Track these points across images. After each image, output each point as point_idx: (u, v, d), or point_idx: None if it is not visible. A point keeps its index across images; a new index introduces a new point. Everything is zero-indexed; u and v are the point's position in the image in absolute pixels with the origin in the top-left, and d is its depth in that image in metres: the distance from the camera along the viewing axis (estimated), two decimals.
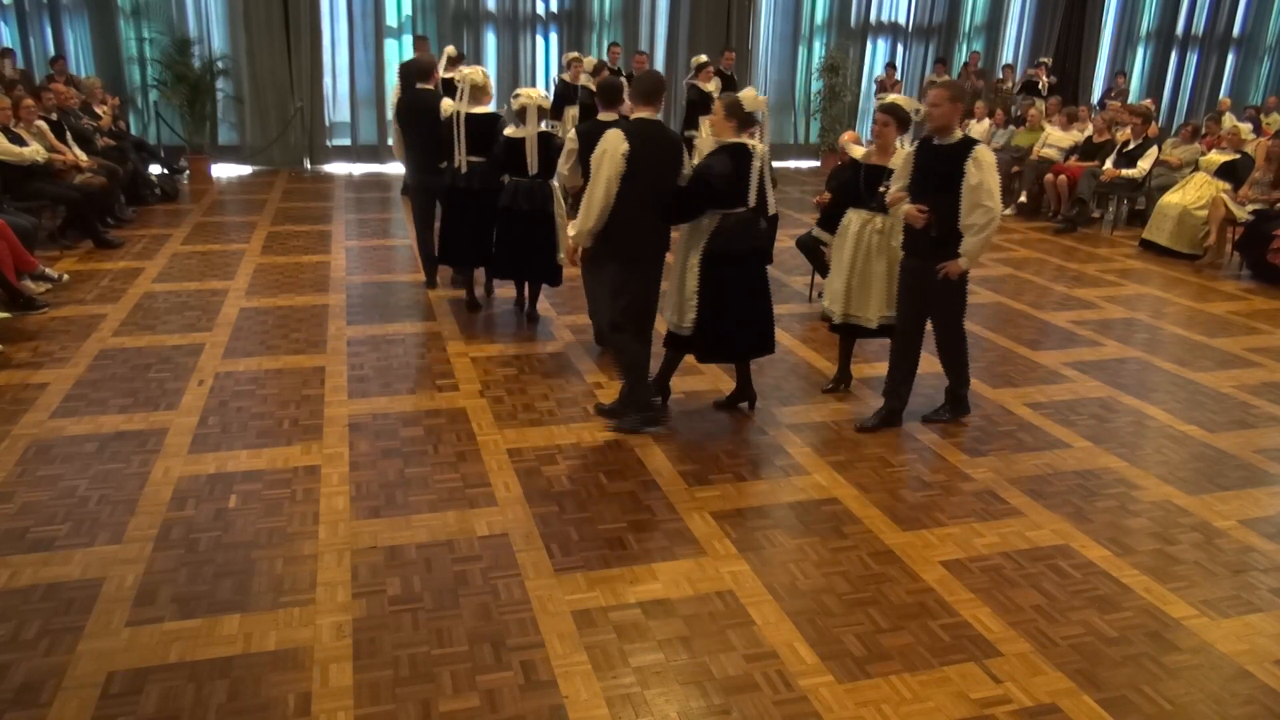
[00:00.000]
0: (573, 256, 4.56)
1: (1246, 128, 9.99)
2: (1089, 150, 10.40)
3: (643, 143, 4.29)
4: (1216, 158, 9.18)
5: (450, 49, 10.00)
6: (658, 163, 4.37)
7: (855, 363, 5.72)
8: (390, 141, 6.79)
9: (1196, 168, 9.53)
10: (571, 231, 4.47)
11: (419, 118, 6.60)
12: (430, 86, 6.84)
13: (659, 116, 4.48)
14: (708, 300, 4.52)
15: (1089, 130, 10.80)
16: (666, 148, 4.45)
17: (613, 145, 4.25)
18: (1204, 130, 10.95)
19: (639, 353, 4.59)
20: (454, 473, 4.14)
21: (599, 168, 4.28)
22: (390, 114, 6.78)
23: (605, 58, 11.32)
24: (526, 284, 6.33)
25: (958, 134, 4.42)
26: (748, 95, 4.48)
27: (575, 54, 10.90)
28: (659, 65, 13.42)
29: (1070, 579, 3.50)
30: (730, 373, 5.04)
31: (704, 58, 11.12)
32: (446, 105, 6.40)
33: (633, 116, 4.48)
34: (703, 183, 4.40)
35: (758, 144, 4.52)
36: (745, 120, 4.46)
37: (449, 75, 8.88)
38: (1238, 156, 9.06)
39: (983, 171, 4.28)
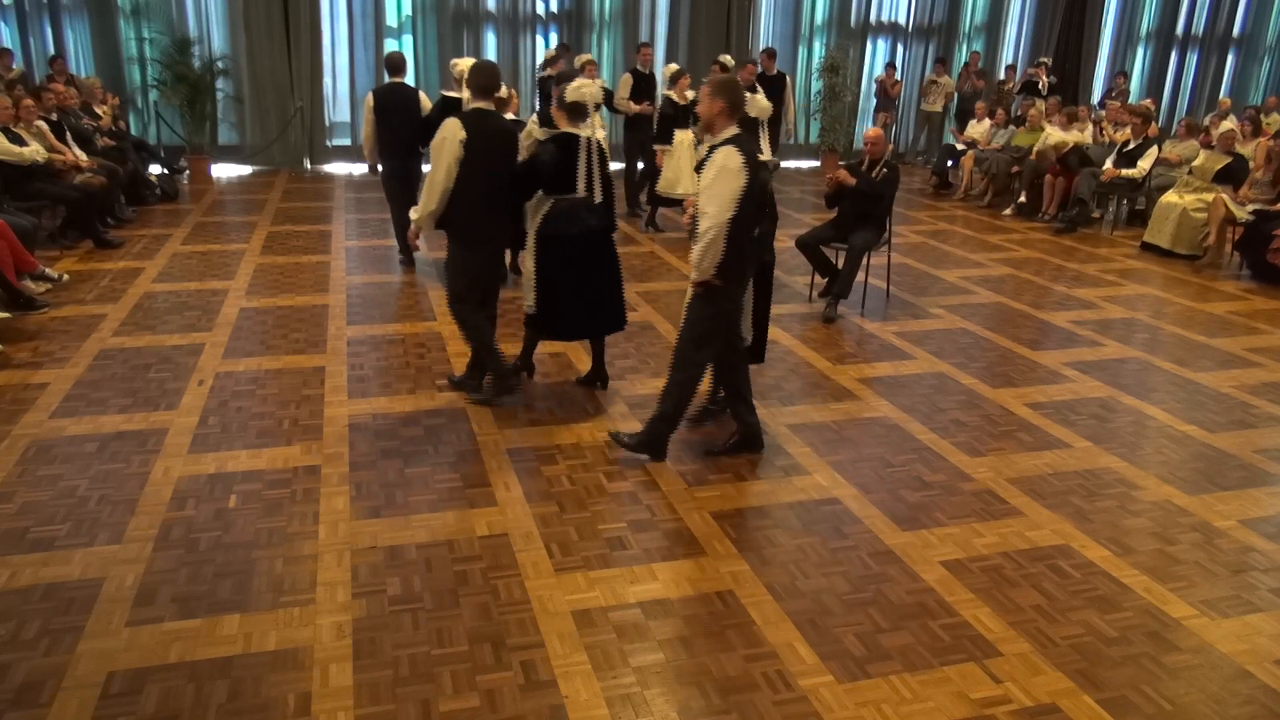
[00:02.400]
0: (413, 239, 4.95)
1: (1242, 129, 10.01)
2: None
3: (478, 132, 4.51)
4: (1211, 164, 9.14)
5: (583, 57, 9.94)
6: (492, 151, 4.59)
7: (855, 362, 5.74)
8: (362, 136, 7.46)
9: (1192, 171, 9.53)
10: (414, 215, 4.69)
11: (396, 108, 7.18)
12: (401, 79, 7.41)
13: (492, 108, 4.71)
14: (543, 280, 4.76)
15: (1089, 130, 10.81)
16: (500, 137, 4.65)
17: (451, 133, 4.47)
18: (1205, 127, 10.97)
19: (481, 325, 4.83)
20: (454, 473, 4.14)
21: (439, 155, 4.50)
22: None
23: (640, 61, 10.37)
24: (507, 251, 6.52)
25: (725, 133, 3.94)
26: (573, 86, 4.65)
27: (676, 66, 9.90)
28: (658, 65, 13.41)
29: (1070, 579, 3.50)
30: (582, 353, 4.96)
31: (727, 58, 10.36)
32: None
33: (468, 108, 4.71)
34: (531, 169, 4.65)
35: (595, 133, 4.72)
36: (573, 110, 4.64)
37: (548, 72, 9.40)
38: (1230, 159, 9.04)
39: (711, 175, 3.85)
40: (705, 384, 4.61)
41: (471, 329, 4.81)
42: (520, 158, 4.80)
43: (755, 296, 4.54)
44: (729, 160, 3.85)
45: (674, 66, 9.59)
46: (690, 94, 8.96)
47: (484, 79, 4.66)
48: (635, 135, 9.68)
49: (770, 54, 10.78)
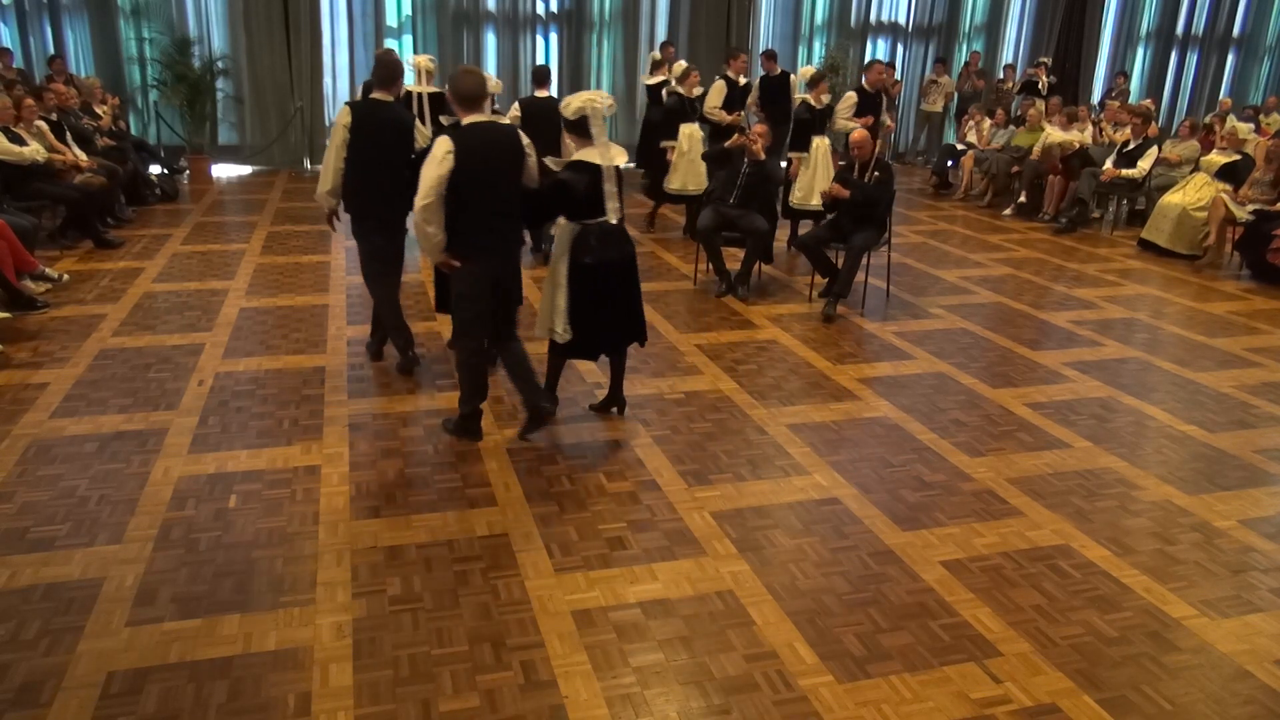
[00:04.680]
0: (329, 221, 5.21)
1: (1246, 127, 10.00)
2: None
3: (366, 119, 4.87)
4: (1217, 159, 9.18)
5: (681, 65, 9.45)
6: (383, 137, 4.86)
7: (855, 362, 5.74)
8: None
9: (1196, 167, 9.53)
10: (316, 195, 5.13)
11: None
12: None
13: (392, 99, 5.05)
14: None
15: (1089, 131, 10.81)
16: (390, 126, 4.92)
17: (339, 119, 4.90)
18: (1206, 125, 10.97)
19: (377, 293, 5.24)
20: (454, 473, 4.14)
21: (330, 139, 4.93)
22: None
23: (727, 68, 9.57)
24: None
25: (464, 121, 4.16)
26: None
27: (814, 69, 9.20)
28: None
29: (1070, 579, 3.50)
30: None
31: (812, 69, 9.30)
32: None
33: (370, 96, 5.09)
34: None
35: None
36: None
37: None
38: (1238, 157, 9.06)
39: (425, 162, 4.06)
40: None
41: (372, 294, 5.29)
42: None
43: (595, 289, 4.39)
44: (437, 147, 4.00)
45: (812, 69, 8.92)
46: (826, 98, 8.53)
47: (382, 71, 5.06)
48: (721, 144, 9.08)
49: (770, 55, 10.50)
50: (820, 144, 8.27)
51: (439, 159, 3.98)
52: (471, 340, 4.37)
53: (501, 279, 4.32)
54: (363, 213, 5.02)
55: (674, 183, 8.62)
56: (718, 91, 8.99)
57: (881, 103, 8.71)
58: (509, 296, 4.42)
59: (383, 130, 4.90)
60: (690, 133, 8.69)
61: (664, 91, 9.23)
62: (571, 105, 4.28)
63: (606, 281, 4.41)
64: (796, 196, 8.26)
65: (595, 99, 4.28)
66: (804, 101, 8.50)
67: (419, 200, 4.01)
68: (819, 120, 8.44)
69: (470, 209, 4.08)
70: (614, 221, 4.38)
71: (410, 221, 4.49)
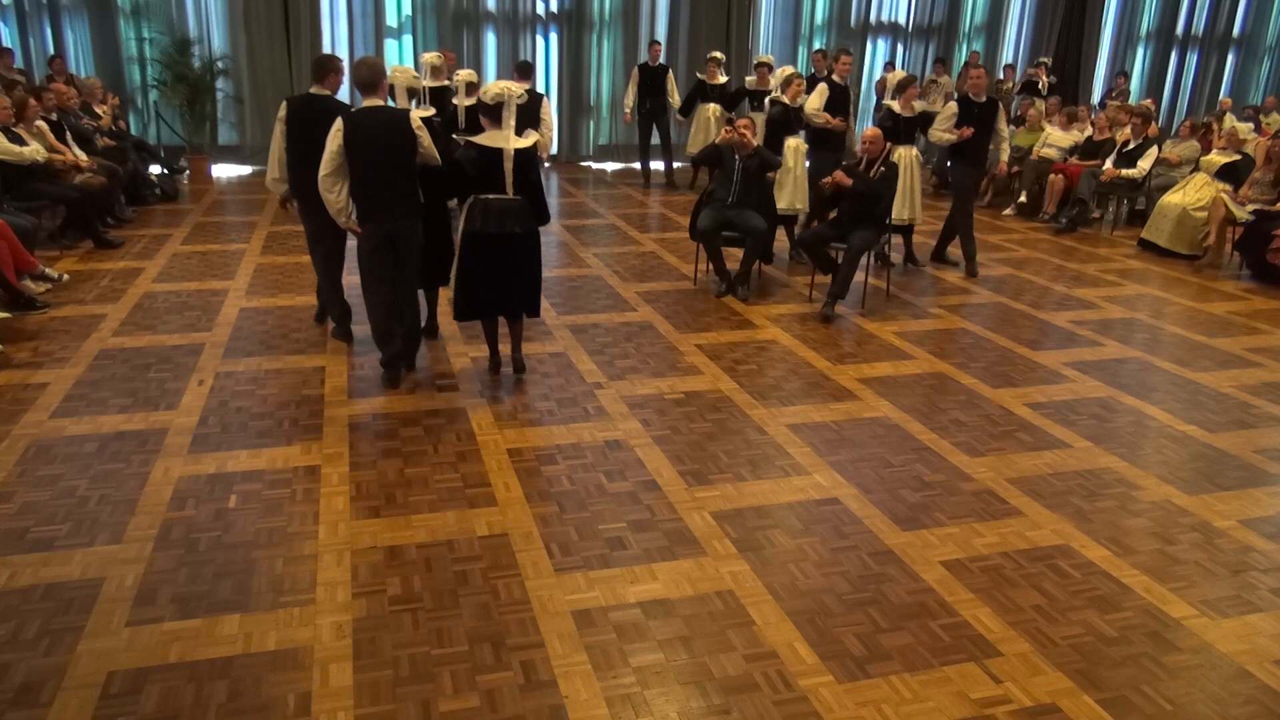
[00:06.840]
0: (282, 205, 5.76)
1: (1246, 127, 10.00)
2: (1089, 149, 10.42)
3: (298, 112, 5.32)
4: (1217, 159, 9.18)
5: (787, 70, 8.75)
6: (315, 127, 5.07)
7: (855, 362, 5.74)
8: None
9: (1196, 167, 9.54)
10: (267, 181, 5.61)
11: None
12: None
13: (327, 93, 5.41)
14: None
15: (1089, 130, 10.82)
16: (322, 116, 5.11)
17: (279, 115, 5.35)
18: (1205, 124, 10.97)
19: (320, 267, 5.79)
20: (454, 473, 4.14)
21: (274, 133, 5.40)
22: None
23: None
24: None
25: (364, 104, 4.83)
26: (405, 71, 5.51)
27: (904, 72, 8.71)
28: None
29: (1070, 579, 3.50)
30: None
31: (901, 73, 8.81)
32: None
33: (308, 91, 5.47)
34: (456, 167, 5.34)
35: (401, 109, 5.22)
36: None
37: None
38: (1238, 157, 9.06)
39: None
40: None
41: (316, 270, 5.87)
42: None
43: (475, 257, 4.89)
44: (334, 125, 4.71)
45: (902, 73, 8.35)
46: (918, 104, 8.00)
47: (318, 70, 5.44)
48: (824, 154, 8.19)
49: (848, 53, 8.94)
50: (906, 155, 7.82)
51: (333, 135, 4.68)
52: (373, 294, 5.03)
53: (393, 240, 4.90)
54: (302, 193, 5.37)
55: (781, 201, 7.76)
56: (820, 94, 8.27)
57: (995, 112, 7.96)
58: (402, 256, 4.98)
59: (315, 120, 5.15)
60: (795, 146, 8.04)
61: (766, 100, 8.57)
62: (490, 92, 4.80)
63: (485, 252, 4.89)
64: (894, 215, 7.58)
65: (511, 88, 4.78)
66: (889, 109, 7.95)
67: (320, 171, 4.72)
68: (906, 129, 7.87)
69: (357, 179, 4.76)
70: (500, 197, 4.83)
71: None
